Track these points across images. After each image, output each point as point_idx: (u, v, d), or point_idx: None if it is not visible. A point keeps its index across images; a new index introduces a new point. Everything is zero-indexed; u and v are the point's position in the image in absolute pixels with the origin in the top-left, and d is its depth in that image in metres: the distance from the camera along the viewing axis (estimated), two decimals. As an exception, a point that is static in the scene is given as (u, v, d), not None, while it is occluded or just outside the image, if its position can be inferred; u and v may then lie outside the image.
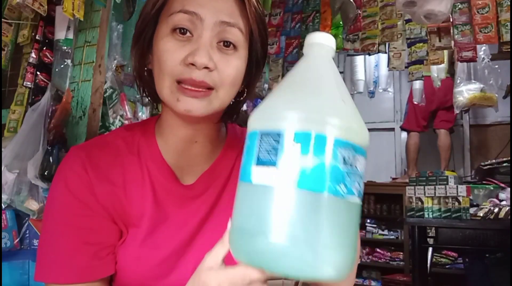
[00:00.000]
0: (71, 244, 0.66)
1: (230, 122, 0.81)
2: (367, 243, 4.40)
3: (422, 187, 2.60)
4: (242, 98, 0.75)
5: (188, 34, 0.65)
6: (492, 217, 2.29)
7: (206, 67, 0.63)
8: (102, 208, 0.68)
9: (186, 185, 0.72)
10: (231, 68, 0.66)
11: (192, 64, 0.63)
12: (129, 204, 0.70)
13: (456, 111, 3.61)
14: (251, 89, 0.75)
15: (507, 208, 2.28)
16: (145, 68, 0.72)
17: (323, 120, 0.45)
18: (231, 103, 0.72)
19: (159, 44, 0.66)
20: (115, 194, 0.69)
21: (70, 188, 0.68)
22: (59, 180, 0.70)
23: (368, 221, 4.45)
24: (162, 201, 0.71)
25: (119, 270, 0.69)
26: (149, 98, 0.76)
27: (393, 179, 4.53)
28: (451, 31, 2.24)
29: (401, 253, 4.13)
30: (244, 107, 2.61)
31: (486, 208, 2.36)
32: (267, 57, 0.79)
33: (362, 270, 4.37)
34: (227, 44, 0.66)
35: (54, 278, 0.66)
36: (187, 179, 0.73)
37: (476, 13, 2.11)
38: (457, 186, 2.46)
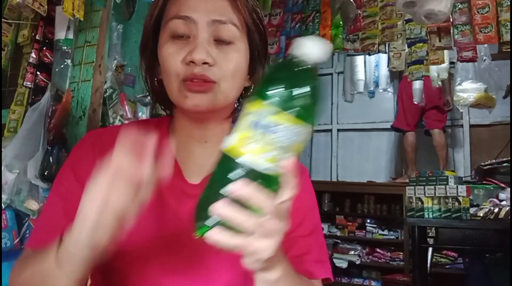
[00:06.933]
0: (48, 211, 0.73)
1: None
2: (367, 243, 4.40)
3: (422, 187, 2.60)
4: (249, 94, 0.76)
5: (185, 37, 0.69)
6: (492, 217, 2.29)
7: (205, 63, 0.66)
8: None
9: (190, 183, 0.74)
10: (230, 61, 0.69)
11: (192, 62, 0.66)
12: None
13: (461, 109, 3.61)
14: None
15: (507, 208, 2.28)
16: (155, 79, 0.76)
17: None
18: (240, 100, 0.75)
19: (161, 51, 0.70)
20: None
21: (71, 161, 0.75)
22: (68, 156, 0.78)
23: (368, 221, 4.45)
24: (163, 193, 0.71)
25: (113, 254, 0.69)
26: (163, 107, 0.79)
27: (393, 179, 4.52)
28: (451, 31, 2.24)
29: (401, 253, 4.13)
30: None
31: (486, 208, 2.36)
32: (268, 57, 0.80)
33: (362, 270, 4.37)
34: (223, 40, 0.69)
35: (27, 244, 0.72)
36: (193, 178, 0.74)
37: (476, 13, 2.11)
38: (457, 186, 2.46)
